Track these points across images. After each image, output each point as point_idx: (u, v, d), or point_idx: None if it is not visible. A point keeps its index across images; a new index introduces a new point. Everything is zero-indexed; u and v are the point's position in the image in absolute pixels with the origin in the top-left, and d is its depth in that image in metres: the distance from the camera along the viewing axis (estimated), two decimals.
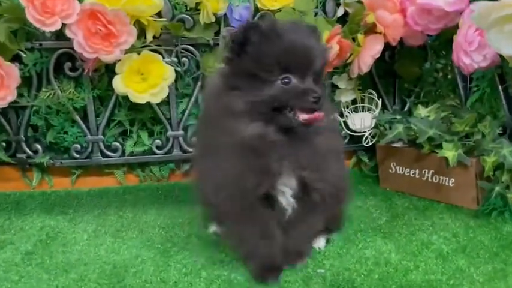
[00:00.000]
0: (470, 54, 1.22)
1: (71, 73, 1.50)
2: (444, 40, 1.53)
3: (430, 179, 1.45)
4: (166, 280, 1.09)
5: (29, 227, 1.41)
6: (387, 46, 1.59)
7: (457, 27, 1.31)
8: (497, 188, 1.27)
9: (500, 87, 1.34)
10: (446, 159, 1.34)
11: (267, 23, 1.00)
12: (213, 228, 1.31)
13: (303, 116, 0.97)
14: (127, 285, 1.08)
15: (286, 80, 0.97)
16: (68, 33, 1.33)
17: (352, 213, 1.40)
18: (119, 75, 1.42)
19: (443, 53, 1.62)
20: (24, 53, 1.46)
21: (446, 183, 1.41)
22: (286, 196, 1.04)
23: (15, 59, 1.45)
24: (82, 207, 1.54)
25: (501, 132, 1.35)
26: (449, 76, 1.69)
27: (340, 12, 1.52)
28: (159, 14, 1.46)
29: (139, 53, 1.44)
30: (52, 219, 1.46)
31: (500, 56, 1.19)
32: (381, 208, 1.45)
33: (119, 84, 1.42)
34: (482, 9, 0.92)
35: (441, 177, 1.42)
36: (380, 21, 1.32)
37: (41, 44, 1.46)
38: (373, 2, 1.35)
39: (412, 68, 1.64)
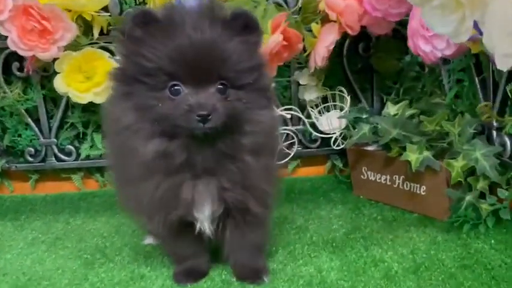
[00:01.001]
0: (430, 41, 1.05)
1: (19, 73, 1.45)
2: None
3: (401, 186, 1.28)
4: None
5: None
6: (360, 38, 1.44)
7: None
8: (468, 197, 1.08)
9: (476, 79, 1.15)
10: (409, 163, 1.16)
11: (163, 11, 0.81)
12: (148, 240, 1.20)
13: None
14: None
15: (174, 89, 0.79)
16: (1, 30, 1.27)
17: (309, 224, 1.26)
18: (59, 74, 1.35)
19: None
20: None
21: (418, 191, 1.23)
22: (202, 223, 0.91)
23: None
24: (35, 213, 1.48)
25: (478, 132, 1.15)
26: (437, 70, 1.50)
27: (302, 1, 1.37)
28: (106, 10, 1.38)
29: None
30: (2, 225, 1.40)
31: None
32: (344, 219, 1.28)
33: (60, 84, 1.34)
34: None
35: (412, 184, 1.24)
36: (332, 7, 1.17)
37: None
38: None
39: (390, 62, 1.47)
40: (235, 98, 0.81)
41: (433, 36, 1.04)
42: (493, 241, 1.04)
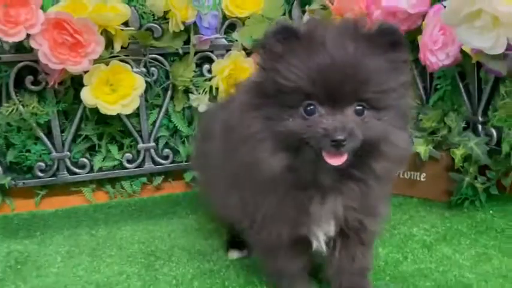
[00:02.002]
0: (435, 53, 1.29)
1: (33, 87, 1.43)
2: None
3: (402, 175, 1.50)
4: None
5: None
6: None
7: (419, 29, 1.38)
8: (467, 179, 1.34)
9: (461, 84, 1.42)
10: (417, 154, 1.39)
11: (306, 27, 0.77)
12: (233, 253, 1.18)
13: (327, 157, 0.76)
14: None
15: (310, 108, 0.75)
16: (32, 43, 1.27)
17: None
18: (87, 86, 1.37)
19: None
20: None
21: (418, 178, 1.47)
22: (320, 241, 0.89)
23: None
24: (50, 229, 1.45)
25: (465, 126, 1.42)
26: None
27: (305, 19, 1.56)
28: (126, 24, 1.43)
29: (106, 64, 1.39)
30: (18, 243, 1.36)
31: (462, 53, 1.27)
32: None
33: (88, 96, 1.36)
34: (453, 6, 0.98)
35: (412, 173, 1.48)
36: None
37: None
38: (340, 7, 1.40)
39: None
40: (374, 119, 0.76)
41: (438, 50, 1.28)
42: (491, 211, 1.31)
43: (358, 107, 0.76)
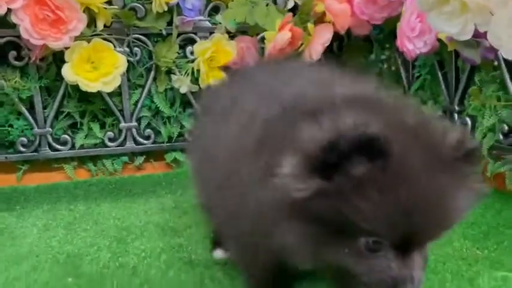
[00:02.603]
0: (412, 40, 1.30)
1: (16, 62, 1.44)
2: (387, 32, 1.62)
3: None
4: (124, 265, 1.07)
5: None
6: (336, 37, 1.66)
7: (399, 17, 1.39)
8: None
9: (439, 73, 1.43)
10: None
11: (390, 142, 0.56)
12: (218, 252, 1.09)
13: None
14: (83, 272, 1.05)
15: (375, 246, 0.59)
16: (13, 18, 1.28)
17: None
18: (68, 63, 1.38)
19: (387, 45, 1.71)
20: None
21: None
22: None
23: None
24: (30, 203, 1.48)
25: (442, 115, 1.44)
26: (392, 68, 1.78)
27: (290, 4, 1.56)
28: (109, 2, 1.44)
29: (88, 41, 1.41)
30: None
31: (439, 41, 1.28)
32: None
33: (69, 73, 1.38)
34: None
35: None
36: (329, 10, 1.38)
37: None
38: None
39: (359, 59, 1.72)
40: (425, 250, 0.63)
41: (415, 37, 1.29)
42: None
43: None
